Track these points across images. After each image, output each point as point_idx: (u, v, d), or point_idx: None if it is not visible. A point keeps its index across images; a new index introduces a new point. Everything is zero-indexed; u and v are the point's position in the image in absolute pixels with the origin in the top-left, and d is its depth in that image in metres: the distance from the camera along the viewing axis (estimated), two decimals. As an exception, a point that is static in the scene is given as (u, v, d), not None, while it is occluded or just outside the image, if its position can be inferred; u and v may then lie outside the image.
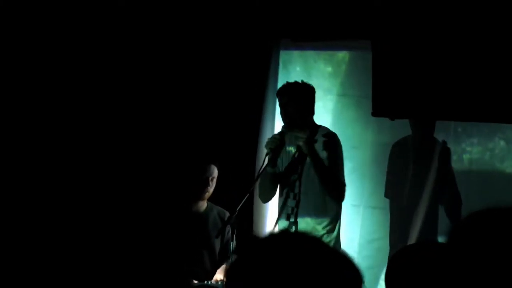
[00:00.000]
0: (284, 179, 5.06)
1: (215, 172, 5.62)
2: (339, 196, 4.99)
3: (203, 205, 5.68)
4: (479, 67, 4.88)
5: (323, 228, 4.96)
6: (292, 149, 5.06)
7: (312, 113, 5.11)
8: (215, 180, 5.62)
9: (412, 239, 5.23)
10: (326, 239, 4.94)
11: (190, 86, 6.33)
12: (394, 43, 5.15)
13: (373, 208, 5.73)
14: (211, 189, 5.61)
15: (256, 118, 6.08)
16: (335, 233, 5.01)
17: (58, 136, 6.29)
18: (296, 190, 4.97)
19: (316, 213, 4.95)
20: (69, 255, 6.02)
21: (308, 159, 4.95)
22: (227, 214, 5.44)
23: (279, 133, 5.03)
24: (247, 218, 5.54)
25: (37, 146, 6.26)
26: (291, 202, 4.97)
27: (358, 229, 5.76)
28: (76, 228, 6.11)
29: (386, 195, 5.57)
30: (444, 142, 5.39)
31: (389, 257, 5.34)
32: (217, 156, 5.91)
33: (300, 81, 5.17)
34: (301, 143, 4.93)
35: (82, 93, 6.34)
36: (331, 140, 4.98)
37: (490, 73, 4.86)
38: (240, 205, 4.76)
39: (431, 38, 5.06)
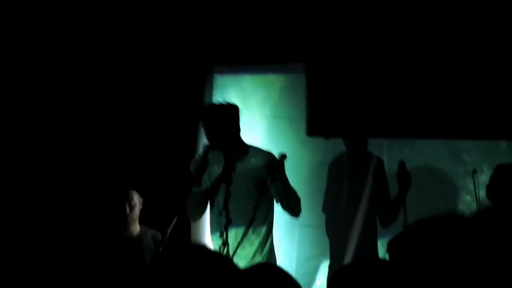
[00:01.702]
0: (211, 196, 5.05)
1: (132, 196, 5.71)
2: (299, 210, 5.07)
3: (135, 229, 5.72)
4: (408, 84, 5.04)
5: (256, 245, 4.99)
6: (217, 168, 5.05)
7: (238, 131, 5.08)
8: (134, 204, 5.70)
9: (350, 255, 5.31)
10: (258, 256, 4.99)
11: (125, 108, 6.34)
12: (327, 63, 5.27)
13: (310, 227, 5.80)
14: (131, 214, 5.68)
15: (191, 143, 6.11)
16: (266, 249, 5.02)
17: (57, 136, 6.24)
18: (225, 208, 4.91)
19: (247, 231, 4.95)
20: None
21: (234, 175, 4.94)
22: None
23: (202, 152, 5.02)
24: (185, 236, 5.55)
25: (34, 146, 6.20)
26: (221, 220, 4.92)
27: (295, 247, 5.82)
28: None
29: (323, 210, 5.65)
30: (378, 157, 5.50)
31: (329, 274, 5.42)
32: (152, 180, 5.94)
33: (221, 102, 5.22)
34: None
35: (81, 94, 6.30)
36: (273, 158, 5.00)
37: (418, 89, 5.02)
38: (171, 227, 4.73)
39: (362, 58, 5.20)
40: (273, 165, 4.86)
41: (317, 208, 5.67)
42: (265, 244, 5.02)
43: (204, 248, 2.39)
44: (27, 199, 6.18)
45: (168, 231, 4.80)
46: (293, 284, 2.55)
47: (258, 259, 4.98)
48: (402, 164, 5.14)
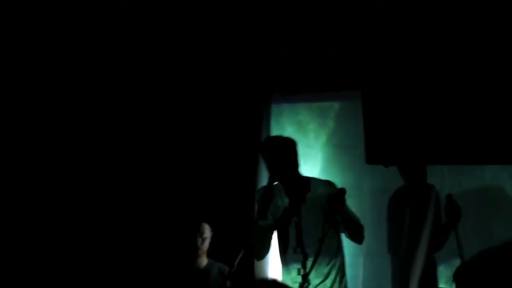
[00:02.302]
0: (283, 233, 5.03)
1: (203, 229, 5.71)
2: (362, 237, 5.04)
3: (203, 261, 5.72)
4: (469, 111, 4.95)
5: (334, 275, 4.96)
6: (281, 201, 5.03)
7: (296, 165, 5.05)
8: (205, 237, 5.70)
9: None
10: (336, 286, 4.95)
11: (185, 142, 6.37)
12: (384, 90, 5.22)
13: (373, 256, 5.75)
14: (202, 246, 5.67)
15: (251, 175, 6.10)
16: (344, 281, 5.01)
17: (58, 136, 6.31)
18: (300, 243, 4.91)
19: (325, 263, 4.93)
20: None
21: (302, 208, 4.94)
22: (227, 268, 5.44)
23: (268, 185, 4.96)
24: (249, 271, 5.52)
25: (37, 146, 6.27)
26: (298, 257, 4.90)
27: (360, 278, 5.76)
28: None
29: (388, 250, 5.56)
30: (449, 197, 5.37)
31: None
32: (216, 213, 5.94)
33: (278, 136, 5.25)
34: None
35: (82, 94, 6.37)
36: (335, 189, 4.95)
37: (480, 116, 4.93)
38: (238, 259, 4.66)
39: (420, 84, 5.14)
40: (335, 200, 4.80)
41: (379, 237, 5.61)
42: (341, 275, 5.00)
43: (276, 282, 2.36)
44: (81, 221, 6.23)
45: (235, 263, 4.77)
46: None
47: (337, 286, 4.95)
48: (449, 197, 5.05)
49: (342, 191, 4.82)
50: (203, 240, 5.78)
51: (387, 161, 5.24)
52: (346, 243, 5.11)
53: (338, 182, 5.36)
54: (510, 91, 4.97)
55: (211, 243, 5.93)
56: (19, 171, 6.24)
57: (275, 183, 4.99)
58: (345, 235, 5.02)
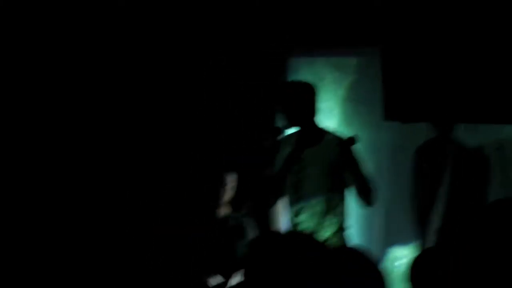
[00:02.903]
0: (282, 179, 4.98)
1: (229, 181, 5.67)
2: (373, 199, 4.90)
3: (224, 211, 5.74)
4: (490, 68, 4.92)
5: (333, 226, 4.89)
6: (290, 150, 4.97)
7: (313, 113, 4.95)
8: (230, 189, 5.67)
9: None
10: (332, 239, 4.88)
11: (198, 93, 6.37)
12: (403, 47, 5.21)
13: (393, 211, 5.77)
14: (225, 196, 5.68)
15: (269, 125, 6.11)
16: (342, 232, 4.94)
17: (58, 136, 6.34)
18: (301, 192, 4.89)
19: (322, 213, 4.87)
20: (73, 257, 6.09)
21: (306, 158, 4.87)
22: (247, 219, 5.47)
23: (273, 134, 4.99)
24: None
25: (37, 146, 6.31)
26: (294, 205, 4.91)
27: (381, 233, 5.78)
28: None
29: (412, 198, 5.56)
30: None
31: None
32: (232, 164, 5.97)
33: (296, 80, 5.12)
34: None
35: (82, 94, 6.40)
36: (348, 145, 4.87)
37: (501, 74, 4.91)
38: (245, 209, 4.75)
39: (438, 41, 5.12)
40: (346, 143, 4.77)
41: (397, 193, 5.63)
42: (341, 225, 4.94)
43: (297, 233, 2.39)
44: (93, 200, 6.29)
45: (242, 213, 4.83)
46: (377, 272, 2.59)
47: (334, 240, 4.92)
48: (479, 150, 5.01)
49: (351, 139, 4.76)
50: (225, 190, 5.70)
51: (405, 118, 5.25)
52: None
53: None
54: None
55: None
56: (19, 171, 6.25)
57: (285, 131, 4.94)
58: (354, 192, 4.90)
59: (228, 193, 5.68)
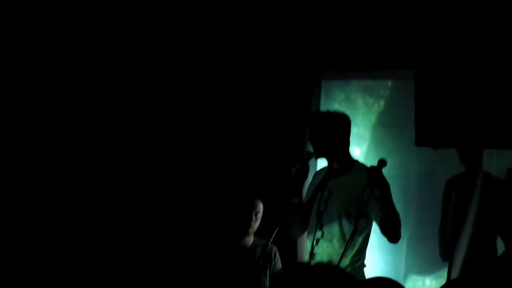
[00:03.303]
0: (308, 207, 4.81)
1: (259, 207, 5.53)
2: (398, 235, 4.61)
3: (250, 240, 5.58)
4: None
5: (349, 259, 4.64)
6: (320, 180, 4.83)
7: (344, 144, 4.77)
8: (259, 215, 5.51)
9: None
10: (350, 271, 4.61)
11: (230, 117, 6.34)
12: (437, 71, 5.13)
13: (418, 240, 5.65)
14: (255, 224, 5.50)
15: (299, 150, 6.03)
16: (360, 264, 4.70)
17: (58, 136, 6.33)
18: (321, 221, 4.70)
19: (340, 243, 4.64)
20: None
21: (333, 187, 4.71)
22: (274, 248, 5.35)
23: (302, 161, 4.75)
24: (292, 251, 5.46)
25: (37, 146, 6.30)
26: (316, 234, 4.71)
27: (402, 261, 5.67)
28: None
29: (439, 232, 5.45)
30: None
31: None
32: (264, 190, 5.86)
33: (331, 110, 4.90)
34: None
35: (82, 94, 6.38)
36: (381, 177, 4.57)
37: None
38: (271, 238, 4.56)
39: (472, 66, 5.04)
40: (373, 171, 4.49)
41: (425, 221, 5.53)
42: (355, 262, 4.68)
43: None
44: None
45: (269, 242, 4.69)
46: None
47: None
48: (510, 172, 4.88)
49: (382, 162, 4.47)
50: (257, 218, 5.55)
51: (437, 144, 5.15)
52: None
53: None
54: None
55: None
56: (19, 171, 6.25)
57: (313, 159, 4.78)
58: (379, 227, 4.61)
59: (258, 221, 5.55)
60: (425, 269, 5.65)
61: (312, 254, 4.69)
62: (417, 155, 5.71)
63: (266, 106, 6.25)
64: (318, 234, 4.70)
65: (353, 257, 4.64)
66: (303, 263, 4.22)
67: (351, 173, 4.70)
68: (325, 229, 4.66)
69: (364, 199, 4.46)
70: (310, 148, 5.12)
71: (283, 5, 6.21)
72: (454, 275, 5.28)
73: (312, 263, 4.50)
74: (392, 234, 4.56)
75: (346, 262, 4.61)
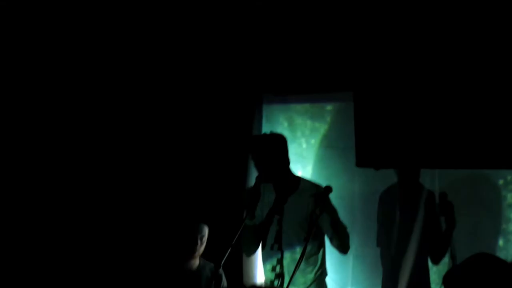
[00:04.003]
0: (264, 230, 5.00)
1: (204, 231, 5.61)
2: (347, 247, 4.92)
3: (195, 262, 5.67)
4: (460, 114, 4.92)
5: (313, 276, 4.92)
6: (268, 200, 5.00)
7: (286, 163, 5.00)
8: (205, 239, 5.60)
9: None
10: (312, 286, 4.92)
11: (176, 143, 6.36)
12: (376, 93, 5.20)
13: (363, 257, 5.75)
14: (201, 248, 5.59)
15: (241, 173, 6.10)
16: (323, 282, 4.98)
17: (58, 136, 6.30)
18: (278, 241, 4.91)
19: (300, 262, 4.70)
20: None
21: (285, 208, 4.91)
22: (221, 270, 5.41)
23: (254, 185, 4.95)
24: (238, 272, 5.52)
25: (37, 146, 6.27)
26: (273, 253, 4.91)
27: (349, 279, 5.75)
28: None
29: (378, 244, 5.58)
30: (429, 190, 5.39)
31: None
32: (206, 213, 5.92)
33: (267, 133, 5.12)
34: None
35: (82, 94, 6.37)
36: (324, 195, 4.84)
37: (472, 120, 4.90)
38: (224, 259, 4.69)
39: (411, 87, 5.12)
40: (320, 197, 4.74)
41: (369, 239, 5.61)
42: (319, 275, 4.97)
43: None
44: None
45: (221, 263, 4.78)
46: None
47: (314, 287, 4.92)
48: (443, 196, 5.00)
49: (327, 188, 4.75)
50: (202, 241, 5.64)
51: (378, 164, 5.23)
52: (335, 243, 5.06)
53: (329, 184, 5.34)
54: (502, 94, 4.94)
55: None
56: (19, 171, 6.24)
57: (263, 183, 4.97)
58: (330, 240, 4.91)
59: (203, 244, 5.62)
60: (371, 285, 5.73)
61: (275, 275, 4.87)
62: (360, 176, 5.80)
63: (207, 131, 6.29)
64: (277, 254, 4.88)
65: (317, 270, 4.91)
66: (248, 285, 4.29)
67: (299, 191, 4.93)
68: (284, 248, 4.86)
69: (313, 220, 4.66)
70: (254, 173, 5.23)
71: (223, 31, 6.27)
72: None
73: (278, 283, 4.78)
74: (342, 246, 4.88)
75: (311, 276, 4.89)
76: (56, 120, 6.35)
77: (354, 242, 5.31)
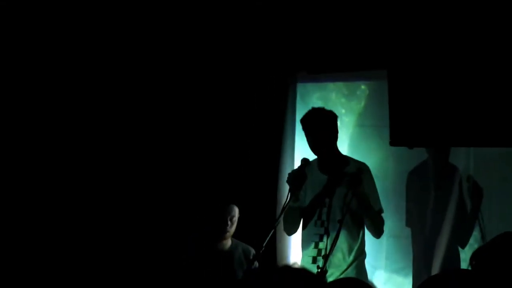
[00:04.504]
0: (310, 211, 5.04)
1: (234, 211, 5.61)
2: (380, 232, 5.04)
3: (227, 243, 5.65)
4: (497, 92, 4.85)
5: (353, 257, 4.99)
6: (318, 177, 5.04)
7: (335, 139, 5.14)
8: (235, 219, 5.60)
9: (436, 268, 5.18)
10: (353, 269, 4.96)
11: (208, 124, 6.36)
12: (410, 71, 5.15)
13: (397, 237, 5.70)
14: (231, 228, 5.58)
15: (275, 153, 6.09)
16: (362, 262, 5.03)
17: (58, 136, 6.33)
18: (324, 218, 4.97)
19: (346, 242, 4.95)
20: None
21: (337, 191, 4.96)
22: (252, 251, 5.42)
23: (300, 167, 5.00)
24: (271, 253, 5.52)
25: (37, 146, 6.30)
26: (319, 230, 4.96)
27: (383, 259, 5.72)
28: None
29: (407, 224, 5.55)
30: (471, 178, 5.31)
31: (413, 286, 5.31)
32: (239, 194, 5.92)
33: (322, 108, 5.21)
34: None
35: (82, 95, 6.39)
36: (368, 174, 5.01)
37: (507, 98, 4.83)
38: (266, 241, 4.69)
39: (446, 64, 5.06)
40: (352, 180, 4.82)
41: (403, 218, 5.57)
42: (359, 255, 5.01)
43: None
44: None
45: (264, 244, 4.79)
46: None
47: (354, 271, 4.95)
48: (470, 179, 4.96)
49: (359, 170, 4.83)
50: (232, 222, 5.65)
51: (412, 143, 5.19)
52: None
53: (364, 162, 5.32)
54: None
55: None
56: (19, 171, 6.27)
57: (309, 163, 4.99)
58: (365, 223, 5.01)
59: (234, 225, 5.63)
60: (405, 267, 5.69)
61: (315, 257, 4.92)
62: (394, 155, 5.76)
63: (242, 110, 6.28)
64: (321, 230, 4.96)
65: (357, 251, 4.99)
66: (278, 265, 4.30)
67: (348, 169, 5.01)
68: (327, 231, 4.93)
69: (346, 203, 4.80)
70: (288, 152, 5.25)
71: (257, 10, 6.24)
72: (416, 267, 5.38)
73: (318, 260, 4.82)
74: (374, 231, 5.03)
75: (350, 258, 4.97)
76: (55, 120, 6.35)
77: (388, 222, 5.29)
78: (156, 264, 5.93)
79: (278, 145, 6.06)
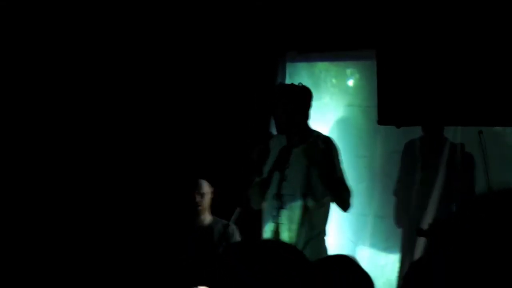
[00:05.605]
0: (266, 183, 4.98)
1: (203, 187, 5.69)
2: (346, 204, 4.88)
3: (206, 218, 5.76)
4: (485, 71, 4.84)
5: (308, 236, 4.88)
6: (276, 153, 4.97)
7: (307, 117, 4.97)
8: (204, 193, 5.68)
9: (422, 245, 5.19)
10: (309, 243, 4.87)
11: (194, 99, 6.35)
12: (398, 50, 5.14)
13: (383, 218, 5.70)
14: (202, 202, 5.65)
15: (263, 130, 6.08)
16: (321, 240, 4.93)
17: (58, 137, 6.32)
18: (283, 192, 4.87)
19: (302, 216, 4.85)
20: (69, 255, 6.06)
21: (290, 162, 4.88)
22: (233, 227, 5.45)
23: (263, 142, 4.99)
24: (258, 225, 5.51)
25: (35, 146, 6.29)
26: (275, 204, 4.89)
27: (368, 239, 5.72)
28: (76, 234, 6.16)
29: (394, 193, 5.53)
30: (463, 146, 5.31)
31: (400, 263, 5.32)
32: (222, 170, 5.93)
33: (295, 84, 5.07)
34: (301, 153, 4.83)
35: (82, 95, 6.38)
36: (329, 145, 4.90)
37: (497, 76, 4.83)
38: (233, 217, 4.74)
39: (434, 44, 5.05)
40: (307, 150, 4.77)
41: (390, 199, 5.56)
42: (316, 235, 4.92)
43: (277, 242, 2.35)
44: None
45: (231, 222, 4.82)
46: (365, 277, 2.54)
47: (316, 245, 4.89)
48: (462, 147, 4.96)
49: (327, 139, 4.80)
50: (202, 196, 5.72)
51: (399, 122, 5.18)
52: (356, 202, 5.04)
53: (350, 142, 5.31)
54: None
55: (214, 201, 5.89)
56: (19, 171, 6.26)
57: (273, 136, 4.97)
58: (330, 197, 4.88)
59: (207, 200, 5.69)
60: (390, 246, 5.70)
61: (274, 229, 4.87)
62: (382, 134, 5.75)
63: (231, 89, 6.27)
64: (277, 207, 4.87)
65: (313, 228, 4.85)
66: (255, 239, 4.32)
67: (308, 143, 4.89)
68: (283, 202, 4.83)
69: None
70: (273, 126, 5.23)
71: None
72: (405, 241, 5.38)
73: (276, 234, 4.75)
74: (338, 202, 4.85)
75: (308, 234, 4.83)
76: (55, 120, 6.34)
77: (374, 201, 5.29)
78: (156, 264, 5.92)
79: (267, 123, 6.04)
